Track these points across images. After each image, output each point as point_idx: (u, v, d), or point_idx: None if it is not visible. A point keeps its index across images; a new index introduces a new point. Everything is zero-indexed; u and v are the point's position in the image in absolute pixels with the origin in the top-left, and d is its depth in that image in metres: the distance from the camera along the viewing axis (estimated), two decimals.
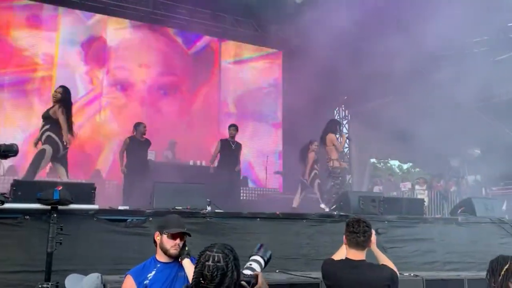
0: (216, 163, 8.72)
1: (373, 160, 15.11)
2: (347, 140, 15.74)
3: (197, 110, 12.33)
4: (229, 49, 13.38)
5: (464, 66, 9.95)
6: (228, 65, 13.25)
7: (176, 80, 12.39)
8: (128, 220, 4.59)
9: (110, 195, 9.01)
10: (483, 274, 5.27)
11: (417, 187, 13.95)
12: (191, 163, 9.73)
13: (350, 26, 9.24)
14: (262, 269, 2.27)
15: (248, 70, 13.52)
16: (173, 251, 2.96)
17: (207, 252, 2.07)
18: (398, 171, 19.79)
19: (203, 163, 9.91)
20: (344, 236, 3.19)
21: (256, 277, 2.18)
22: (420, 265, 5.66)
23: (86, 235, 4.34)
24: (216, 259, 2.04)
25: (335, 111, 16.21)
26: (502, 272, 2.61)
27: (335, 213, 6.13)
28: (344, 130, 16.03)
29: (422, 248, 5.90)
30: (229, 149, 8.58)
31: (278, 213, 5.48)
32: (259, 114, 13.43)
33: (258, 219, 5.23)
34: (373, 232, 3.32)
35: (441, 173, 12.21)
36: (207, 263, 2.04)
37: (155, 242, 3.04)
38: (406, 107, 11.36)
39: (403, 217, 6.04)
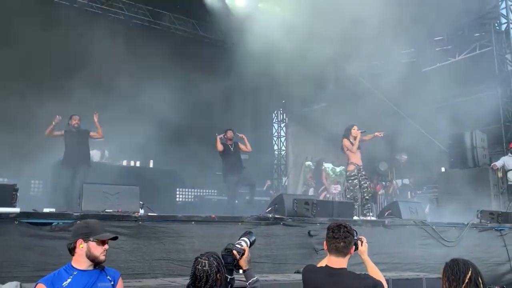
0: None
1: (308, 162, 15.50)
2: (284, 143, 16.19)
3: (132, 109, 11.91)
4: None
5: (393, 75, 10.49)
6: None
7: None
8: (53, 224, 4.33)
9: (36, 196, 8.51)
10: (406, 274, 5.62)
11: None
12: (124, 163, 9.41)
13: (288, 31, 9.44)
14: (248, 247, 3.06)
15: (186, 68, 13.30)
16: (103, 257, 2.85)
17: (198, 259, 2.80)
18: (331, 173, 20.44)
19: (138, 164, 9.65)
20: (324, 242, 3.05)
21: (244, 250, 3.00)
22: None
23: (6, 240, 4.04)
24: (202, 264, 2.76)
25: (274, 114, 16.51)
26: (467, 280, 2.55)
27: (270, 215, 6.19)
28: (282, 133, 16.39)
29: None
30: (229, 151, 8.54)
31: (213, 216, 5.44)
32: None
33: (193, 222, 5.14)
34: (365, 240, 3.25)
35: (370, 176, 12.77)
36: (197, 266, 2.77)
37: (72, 250, 2.86)
38: (340, 113, 11.78)
39: (334, 219, 6.21)
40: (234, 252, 2.96)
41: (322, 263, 3.10)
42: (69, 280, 2.74)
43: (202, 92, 10.98)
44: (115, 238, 2.96)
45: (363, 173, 8.00)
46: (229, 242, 3.09)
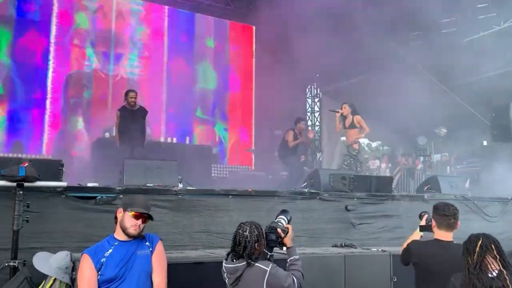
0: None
1: (343, 138, 15.28)
2: (318, 118, 16.03)
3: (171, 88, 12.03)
4: (202, 23, 13.09)
5: (433, 46, 10.10)
6: (201, 40, 12.99)
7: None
8: (97, 197, 4.51)
9: (80, 171, 8.82)
10: None
11: (383, 165, 14.26)
12: (161, 139, 9.60)
13: (324, 4, 9.19)
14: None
15: (220, 44, 13.29)
16: (132, 231, 2.93)
17: (241, 224, 2.94)
18: (367, 149, 20.15)
19: (174, 140, 9.82)
20: (432, 219, 3.54)
21: (288, 228, 3.09)
22: (388, 240, 5.82)
23: (54, 212, 4.24)
24: (243, 229, 2.89)
25: (307, 89, 16.29)
26: (477, 249, 2.69)
27: (306, 190, 6.19)
28: (316, 108, 16.19)
29: (390, 224, 6.05)
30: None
31: (250, 190, 5.50)
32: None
33: (230, 196, 5.21)
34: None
35: (408, 151, 12.51)
36: (239, 231, 2.89)
37: (115, 218, 3.00)
38: (377, 86, 11.50)
39: (372, 194, 6.15)
40: (279, 230, 3.04)
41: (414, 237, 3.82)
42: (110, 250, 2.89)
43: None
44: (149, 216, 2.98)
45: (354, 153, 8.18)
46: (270, 219, 3.15)
